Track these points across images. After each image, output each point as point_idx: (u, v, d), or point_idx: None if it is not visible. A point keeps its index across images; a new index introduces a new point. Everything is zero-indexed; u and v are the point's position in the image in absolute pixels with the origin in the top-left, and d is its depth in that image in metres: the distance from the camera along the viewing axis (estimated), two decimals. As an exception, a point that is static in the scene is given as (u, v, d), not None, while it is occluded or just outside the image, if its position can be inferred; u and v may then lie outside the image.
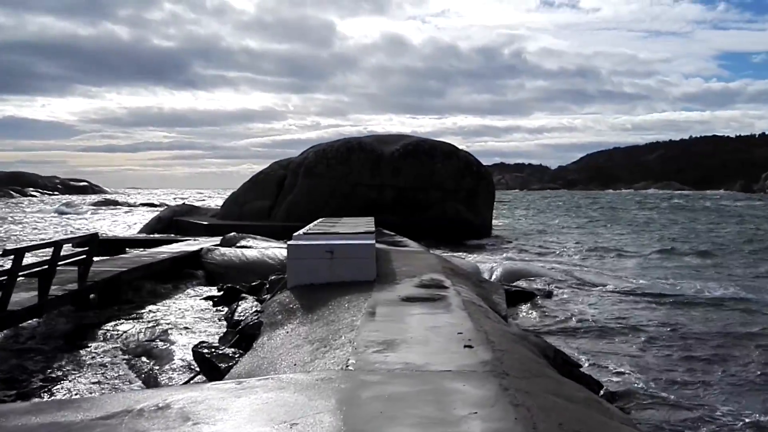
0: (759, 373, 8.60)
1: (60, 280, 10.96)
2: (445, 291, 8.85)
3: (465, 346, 5.72)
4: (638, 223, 44.01)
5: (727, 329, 11.15)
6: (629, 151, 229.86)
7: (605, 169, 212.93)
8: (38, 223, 43.25)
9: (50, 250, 10.40)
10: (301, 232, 11.62)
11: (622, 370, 8.60)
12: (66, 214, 55.20)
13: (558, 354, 6.87)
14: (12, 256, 9.33)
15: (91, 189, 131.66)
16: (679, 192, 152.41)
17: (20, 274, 9.42)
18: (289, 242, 10.31)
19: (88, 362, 8.49)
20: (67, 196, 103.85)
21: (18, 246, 10.38)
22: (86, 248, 11.84)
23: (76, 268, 11.51)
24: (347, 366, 5.30)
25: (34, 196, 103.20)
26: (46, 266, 10.06)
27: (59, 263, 10.48)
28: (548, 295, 13.77)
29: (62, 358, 8.65)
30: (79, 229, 36.63)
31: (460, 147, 32.92)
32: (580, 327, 11.06)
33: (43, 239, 24.65)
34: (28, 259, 9.88)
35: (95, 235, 12.76)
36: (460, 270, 12.24)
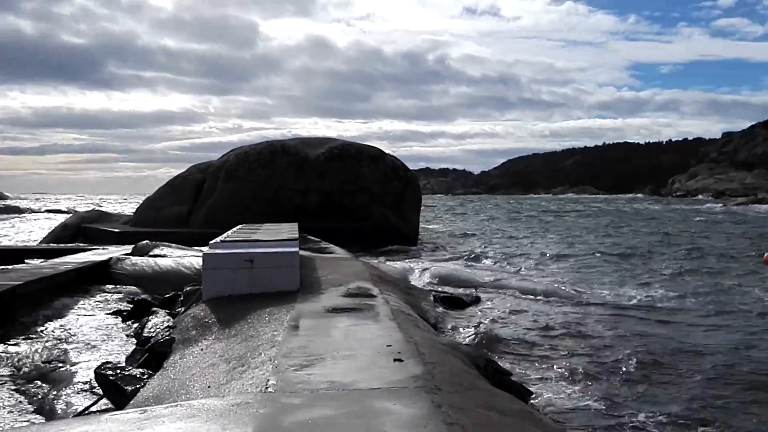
0: (675, 377, 8.67)
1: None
2: (373, 300, 8.43)
3: (395, 360, 5.31)
4: (562, 227, 44.67)
5: (649, 334, 11.23)
6: (547, 157, 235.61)
7: (525, 175, 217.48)
8: None
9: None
10: (218, 239, 10.95)
11: (550, 376, 8.52)
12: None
13: (489, 363, 6.56)
14: None
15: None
16: (594, 196, 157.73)
17: None
18: (204, 250, 9.67)
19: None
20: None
21: None
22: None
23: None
24: (267, 387, 4.80)
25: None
26: None
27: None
28: (476, 300, 13.54)
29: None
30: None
31: (386, 151, 32.63)
32: (508, 333, 10.90)
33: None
34: None
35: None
36: (387, 277, 11.87)
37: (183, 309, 9.80)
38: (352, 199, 29.57)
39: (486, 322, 11.55)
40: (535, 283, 17.21)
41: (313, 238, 18.61)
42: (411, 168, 34.32)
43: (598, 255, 25.40)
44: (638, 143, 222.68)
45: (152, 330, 9.02)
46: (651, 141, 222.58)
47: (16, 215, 64.21)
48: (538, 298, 14.75)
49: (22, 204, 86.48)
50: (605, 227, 44.18)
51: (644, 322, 12.36)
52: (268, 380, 4.96)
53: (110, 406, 6.56)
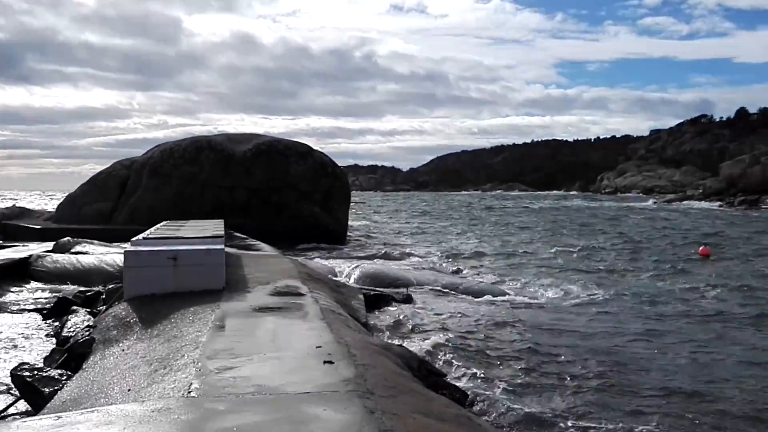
0: (613, 382, 8.50)
1: None
2: (302, 299, 8.28)
3: (325, 362, 5.18)
4: (497, 224, 44.52)
5: (586, 337, 11.09)
6: (476, 154, 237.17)
7: (454, 172, 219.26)
8: None
9: None
10: (140, 236, 10.61)
11: (484, 377, 8.36)
12: None
13: (422, 364, 6.48)
14: None
15: None
16: (524, 192, 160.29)
17: None
18: (126, 248, 9.34)
19: None
20: None
21: None
22: None
23: None
24: (189, 392, 4.62)
25: None
26: None
27: None
28: (407, 299, 13.33)
29: None
30: None
31: (314, 148, 32.28)
32: (441, 333, 10.66)
33: None
34: None
35: None
36: (316, 275, 11.70)
37: (105, 308, 9.47)
38: (280, 196, 29.17)
39: (418, 321, 11.41)
40: (470, 281, 17.02)
41: (239, 234, 18.32)
42: (339, 165, 34.12)
43: (534, 253, 25.29)
44: (566, 140, 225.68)
45: (72, 329, 8.78)
46: (579, 138, 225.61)
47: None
48: (473, 297, 14.50)
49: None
50: (540, 224, 44.21)
51: (581, 323, 12.21)
52: (191, 384, 4.77)
53: (28, 408, 6.39)
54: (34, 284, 14.46)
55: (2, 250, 18.10)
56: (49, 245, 18.57)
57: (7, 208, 36.83)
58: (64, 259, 15.83)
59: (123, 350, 6.74)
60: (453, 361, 8.98)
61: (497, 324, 11.68)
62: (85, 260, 15.45)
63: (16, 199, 68.75)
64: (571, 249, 26.50)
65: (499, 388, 7.93)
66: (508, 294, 15.30)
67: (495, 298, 14.48)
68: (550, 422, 6.92)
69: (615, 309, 13.73)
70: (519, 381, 8.33)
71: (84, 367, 6.61)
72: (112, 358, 6.55)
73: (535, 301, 14.68)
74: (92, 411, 4.34)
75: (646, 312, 13.47)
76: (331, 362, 5.15)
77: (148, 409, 4.16)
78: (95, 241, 18.91)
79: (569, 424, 6.91)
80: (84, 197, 30.79)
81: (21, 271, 15.09)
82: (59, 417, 4.17)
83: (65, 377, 6.58)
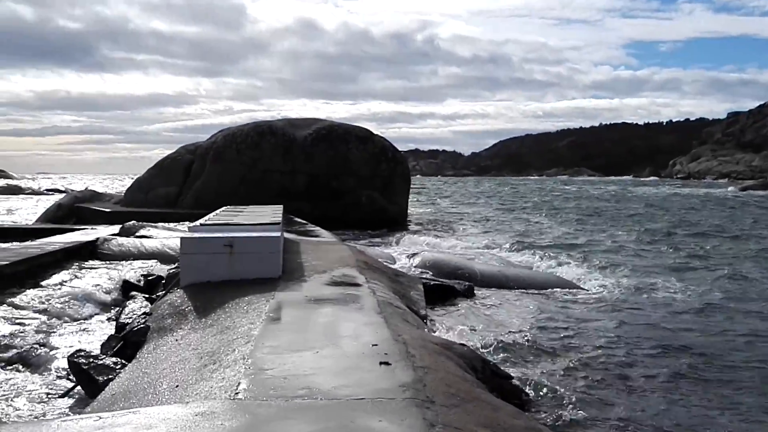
0: (696, 387, 7.76)
1: None
2: (359, 290, 7.97)
3: (381, 363, 4.82)
4: (572, 212, 42.18)
5: (668, 338, 10.05)
6: (540, 138, 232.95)
7: (517, 156, 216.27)
8: None
9: None
10: (198, 222, 10.49)
11: (555, 379, 7.73)
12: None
13: (486, 365, 6.05)
14: None
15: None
16: (593, 177, 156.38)
17: None
18: (182, 234, 9.22)
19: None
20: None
21: None
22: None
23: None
24: (237, 393, 4.34)
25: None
26: None
27: None
28: (469, 290, 12.81)
29: None
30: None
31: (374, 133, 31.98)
32: (504, 329, 10.07)
33: None
34: None
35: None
36: (374, 263, 11.39)
37: (162, 293, 9.40)
38: (340, 182, 29.05)
39: (481, 316, 10.89)
40: (539, 273, 16.22)
41: (299, 220, 18.27)
42: (400, 149, 33.71)
43: (613, 244, 23.42)
44: (636, 124, 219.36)
45: (129, 316, 8.67)
46: (650, 122, 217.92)
47: (17, 194, 63.68)
48: (543, 290, 13.68)
49: (23, 184, 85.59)
50: (615, 212, 41.89)
51: (665, 324, 11.07)
52: (239, 383, 4.50)
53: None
54: (100, 266, 14.62)
55: (73, 233, 18.49)
56: (116, 228, 18.89)
57: (80, 191, 37.99)
58: (128, 242, 16.03)
59: (176, 340, 6.60)
60: (520, 362, 8.41)
61: (570, 322, 10.88)
62: (149, 244, 15.60)
63: (93, 185, 71.05)
64: (653, 240, 24.59)
65: (572, 394, 7.21)
66: (583, 289, 14.22)
67: (567, 294, 13.55)
68: None
69: (701, 310, 12.31)
70: (596, 388, 7.61)
71: (138, 356, 6.51)
72: (164, 348, 6.41)
73: (613, 298, 13.43)
74: (135, 412, 4.11)
75: (744, 318, 11.81)
76: (387, 363, 4.79)
77: (191, 413, 3.90)
78: (158, 225, 19.16)
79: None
80: (151, 181, 31.45)
81: (90, 254, 15.32)
82: (100, 417, 3.96)
83: (119, 366, 6.50)
